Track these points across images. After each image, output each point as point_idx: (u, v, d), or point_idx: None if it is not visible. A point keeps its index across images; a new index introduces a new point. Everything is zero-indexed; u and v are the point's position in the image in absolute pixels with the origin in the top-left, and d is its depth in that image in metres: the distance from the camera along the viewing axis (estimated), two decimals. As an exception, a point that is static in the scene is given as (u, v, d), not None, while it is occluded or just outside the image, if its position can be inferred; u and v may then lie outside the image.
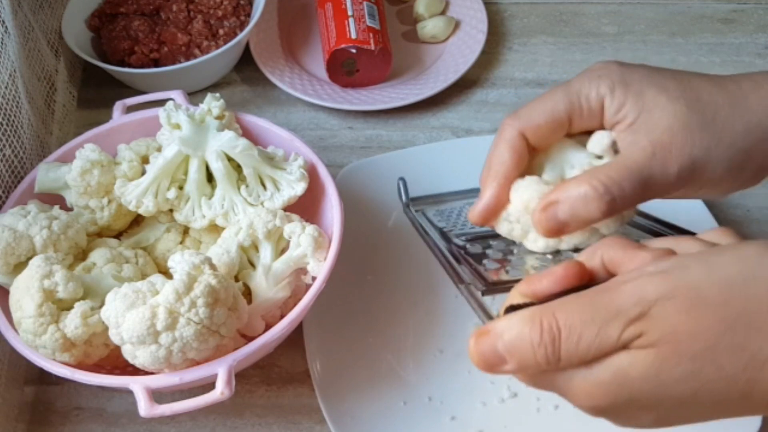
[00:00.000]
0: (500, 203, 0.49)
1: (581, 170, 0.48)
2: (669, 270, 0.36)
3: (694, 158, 0.46)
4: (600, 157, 0.49)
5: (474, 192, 0.63)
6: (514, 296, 0.40)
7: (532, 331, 0.36)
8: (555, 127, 0.49)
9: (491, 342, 0.37)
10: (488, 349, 0.38)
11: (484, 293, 0.46)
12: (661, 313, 0.35)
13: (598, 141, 0.48)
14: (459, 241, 0.54)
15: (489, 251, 0.52)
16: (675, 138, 0.45)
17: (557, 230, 0.47)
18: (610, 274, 0.39)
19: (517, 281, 0.41)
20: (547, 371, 0.37)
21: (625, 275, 0.37)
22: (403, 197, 0.65)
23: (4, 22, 0.66)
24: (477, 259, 0.51)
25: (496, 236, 0.51)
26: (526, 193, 0.48)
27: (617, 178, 0.45)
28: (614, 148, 0.48)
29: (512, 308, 0.38)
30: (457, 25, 0.87)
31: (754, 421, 0.58)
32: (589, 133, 0.49)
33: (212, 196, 0.62)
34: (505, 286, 0.43)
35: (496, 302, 0.44)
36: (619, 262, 0.39)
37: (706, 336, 0.34)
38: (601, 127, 0.49)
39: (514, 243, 0.51)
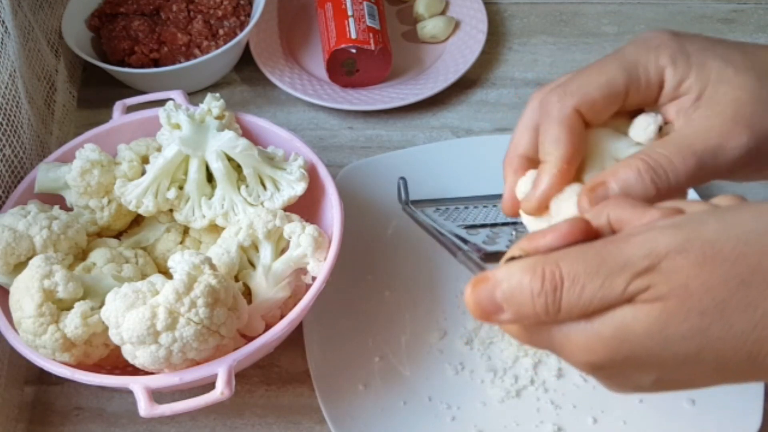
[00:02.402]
0: (559, 191, 0.45)
1: None
2: (683, 224, 0.34)
3: (763, 132, 0.43)
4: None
5: (475, 200, 0.63)
6: (515, 251, 0.38)
7: (532, 279, 0.34)
8: (611, 102, 0.45)
9: (489, 289, 0.36)
10: (485, 297, 0.36)
11: (483, 261, 0.45)
12: (671, 267, 0.33)
13: (644, 127, 0.44)
14: (458, 230, 0.54)
15: (488, 237, 0.52)
16: (743, 111, 0.43)
17: None
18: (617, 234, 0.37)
19: None
20: (544, 323, 0.36)
21: (635, 228, 0.35)
22: (403, 196, 0.64)
23: (4, 22, 0.66)
24: (476, 241, 0.50)
25: (495, 225, 0.51)
26: (570, 207, 0.44)
27: (672, 155, 0.42)
28: (661, 135, 0.44)
29: (513, 260, 0.37)
30: (457, 25, 0.87)
31: (755, 421, 0.58)
32: (623, 116, 0.46)
33: (212, 196, 0.62)
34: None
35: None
36: (627, 221, 0.37)
37: (718, 291, 0.33)
38: (655, 103, 0.45)
39: (514, 230, 0.51)
